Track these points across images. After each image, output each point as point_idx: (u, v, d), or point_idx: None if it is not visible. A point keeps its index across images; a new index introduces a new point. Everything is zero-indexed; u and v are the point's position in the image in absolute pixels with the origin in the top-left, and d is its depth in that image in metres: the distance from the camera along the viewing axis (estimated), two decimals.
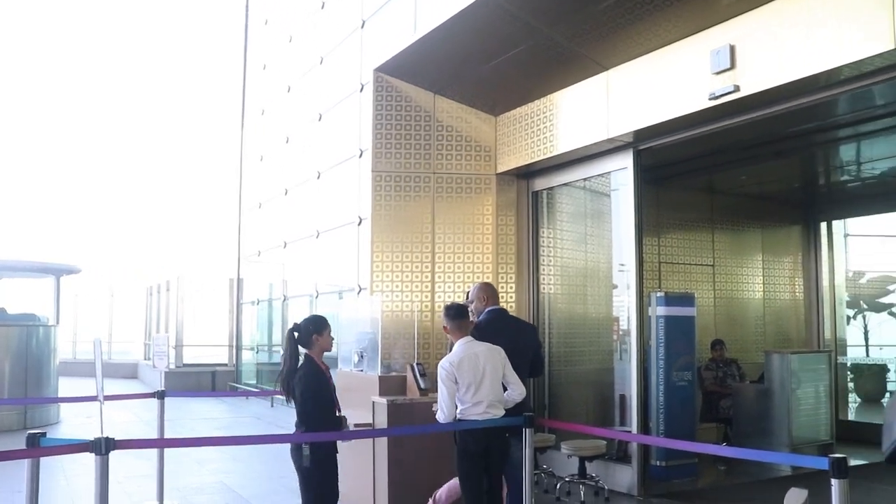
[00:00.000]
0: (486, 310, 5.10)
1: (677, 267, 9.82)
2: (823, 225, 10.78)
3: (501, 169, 7.91)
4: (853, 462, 5.60)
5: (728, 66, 5.48)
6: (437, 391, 4.56)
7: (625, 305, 7.31)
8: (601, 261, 8.21)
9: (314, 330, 4.55)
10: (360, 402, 6.26)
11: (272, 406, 13.51)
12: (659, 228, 9.58)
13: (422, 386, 6.14)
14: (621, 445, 6.92)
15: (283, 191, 13.20)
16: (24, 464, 3.85)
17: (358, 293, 8.81)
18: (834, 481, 3.18)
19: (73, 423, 11.48)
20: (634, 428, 6.64)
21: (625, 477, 6.70)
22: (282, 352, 4.71)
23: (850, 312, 11.18)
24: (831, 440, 8.10)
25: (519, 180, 8.06)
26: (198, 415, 12.69)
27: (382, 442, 5.87)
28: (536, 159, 7.47)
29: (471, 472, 4.52)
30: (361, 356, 6.83)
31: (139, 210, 29.64)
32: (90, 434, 3.81)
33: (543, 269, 8.03)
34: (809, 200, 10.91)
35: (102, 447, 3.57)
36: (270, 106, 14.53)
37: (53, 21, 31.66)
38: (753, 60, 5.34)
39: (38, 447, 3.74)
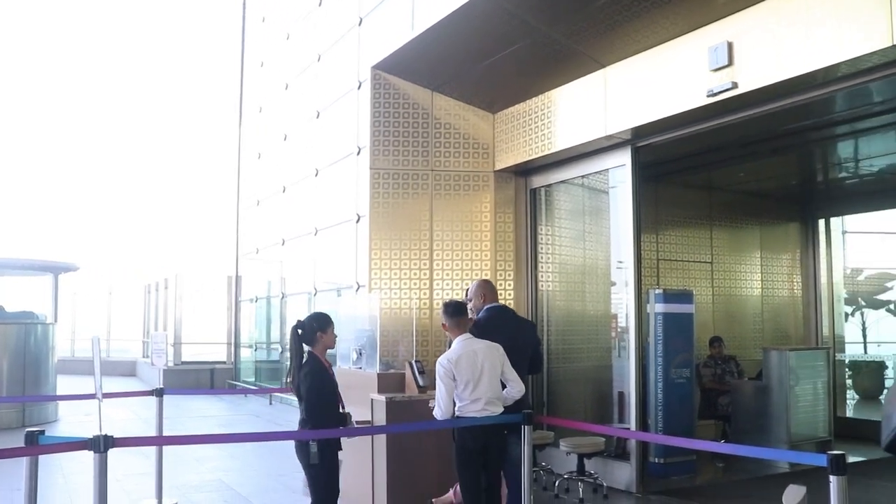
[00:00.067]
0: (485, 307, 5.10)
1: (675, 264, 9.83)
2: (821, 222, 10.80)
3: (499, 166, 7.91)
4: (851, 459, 5.61)
5: (726, 62, 5.48)
6: (435, 388, 4.56)
7: (623, 302, 7.32)
8: (599, 258, 8.21)
9: (318, 327, 4.55)
10: (359, 399, 6.25)
11: (270, 404, 13.50)
12: (657, 225, 9.59)
13: (420, 383, 6.13)
14: (620, 442, 6.93)
15: (281, 188, 13.20)
16: (23, 462, 3.85)
17: (356, 290, 8.82)
18: (832, 478, 3.18)
19: (71, 420, 11.48)
20: (633, 425, 6.65)
21: (623, 474, 6.71)
22: (281, 349, 4.71)
23: (849, 309, 11.20)
24: (829, 437, 8.09)
25: (517, 177, 8.06)
26: (196, 412, 12.68)
27: (381, 439, 5.87)
28: (534, 156, 7.47)
29: (469, 469, 4.52)
30: (360, 353, 6.82)
31: (138, 208, 29.66)
32: (89, 432, 3.80)
33: (542, 267, 8.03)
34: (807, 197, 10.92)
35: (101, 445, 3.57)
36: (268, 103, 14.51)
37: (52, 20, 31.61)
38: (751, 57, 5.34)
39: (36, 445, 3.75)
